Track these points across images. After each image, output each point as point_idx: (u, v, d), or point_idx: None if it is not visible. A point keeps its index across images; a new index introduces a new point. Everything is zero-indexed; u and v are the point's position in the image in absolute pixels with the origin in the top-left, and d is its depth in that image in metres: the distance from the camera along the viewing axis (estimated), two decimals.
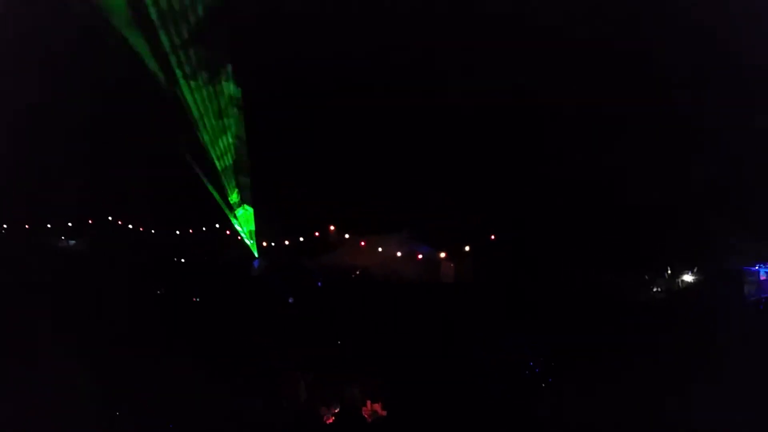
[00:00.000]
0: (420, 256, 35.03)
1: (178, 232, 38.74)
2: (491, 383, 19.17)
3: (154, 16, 28.57)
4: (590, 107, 30.75)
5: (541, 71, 30.71)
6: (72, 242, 37.81)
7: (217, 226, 37.98)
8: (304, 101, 33.12)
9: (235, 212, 35.07)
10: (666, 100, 30.56)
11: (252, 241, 36.31)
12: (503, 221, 33.54)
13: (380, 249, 35.45)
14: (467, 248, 34.48)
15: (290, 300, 31.85)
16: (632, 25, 30.16)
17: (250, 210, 35.29)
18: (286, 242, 37.97)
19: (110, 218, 38.44)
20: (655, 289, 32.09)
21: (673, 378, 17.98)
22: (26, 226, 37.23)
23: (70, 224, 38.02)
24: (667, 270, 31.95)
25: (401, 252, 35.07)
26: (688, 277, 31.41)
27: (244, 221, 35.75)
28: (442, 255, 34.85)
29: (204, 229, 38.60)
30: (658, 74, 30.48)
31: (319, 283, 34.15)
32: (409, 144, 33.28)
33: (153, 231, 38.94)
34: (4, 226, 36.80)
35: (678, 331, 21.93)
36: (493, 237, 34.47)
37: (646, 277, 32.48)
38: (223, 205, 34.38)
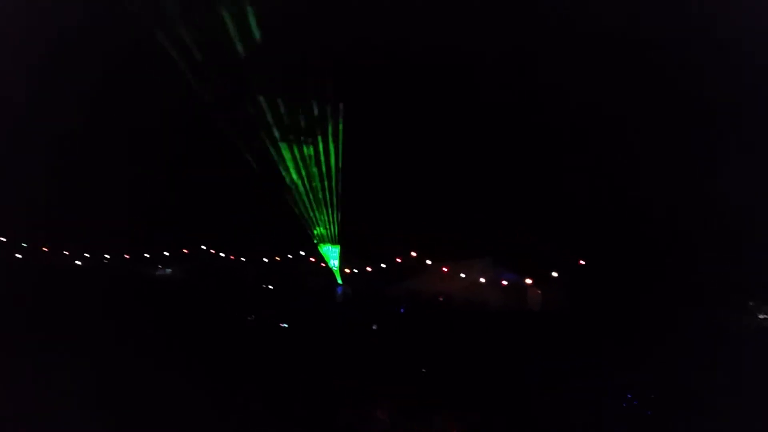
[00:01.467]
0: (505, 283, 34.17)
1: (266, 260, 40.03)
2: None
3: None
4: (680, 135, 29.57)
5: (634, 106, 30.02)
6: (168, 270, 39.90)
7: (302, 254, 38.88)
8: (387, 130, 33.70)
9: (321, 243, 35.84)
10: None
11: (336, 268, 36.84)
12: (594, 246, 32.20)
13: (463, 275, 34.95)
14: (555, 274, 33.29)
15: (374, 327, 31.83)
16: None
17: (336, 241, 35.94)
18: (369, 269, 38.26)
19: (204, 247, 40.39)
20: (761, 317, 29.64)
21: None
22: (126, 256, 39.77)
23: (166, 253, 40.25)
24: None
25: (485, 278, 34.38)
26: None
27: (328, 250, 36.38)
28: (528, 281, 33.81)
29: (290, 257, 39.66)
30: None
31: (402, 310, 33.99)
32: (492, 168, 32.93)
33: (243, 259, 40.47)
34: (106, 255, 39.46)
35: None
36: (582, 262, 33.12)
37: (751, 303, 30.15)
38: (310, 235, 35.24)
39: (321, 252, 36.46)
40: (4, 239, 38.29)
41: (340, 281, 37.25)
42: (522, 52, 31.39)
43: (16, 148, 34.10)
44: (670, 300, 28.68)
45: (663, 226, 29.87)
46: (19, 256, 37.90)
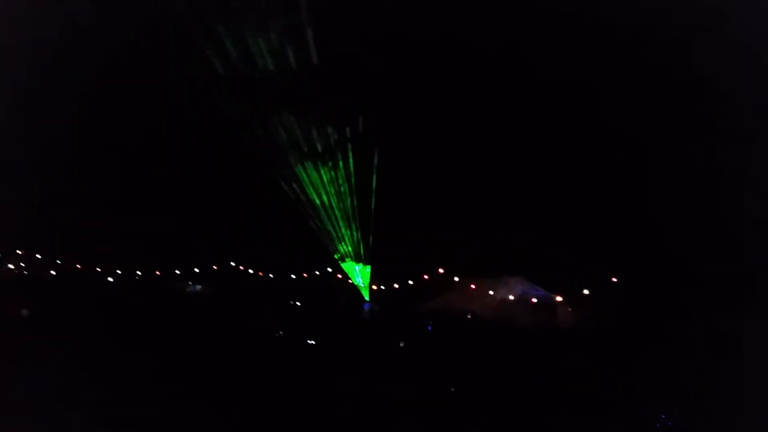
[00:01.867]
0: (534, 300, 33.57)
1: (294, 277, 40.17)
2: None
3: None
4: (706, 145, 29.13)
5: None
6: (198, 287, 40.34)
7: (330, 270, 38.94)
8: (415, 147, 33.84)
9: (347, 260, 35.90)
10: None
11: (363, 286, 36.77)
12: (627, 262, 31.50)
13: (491, 292, 34.46)
14: (586, 291, 32.61)
15: (401, 344, 31.58)
16: None
17: (363, 258, 35.98)
18: (396, 285, 38.08)
19: (233, 263, 40.73)
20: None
21: None
22: (157, 273, 40.36)
23: (197, 270, 40.71)
24: None
25: (514, 295, 33.85)
26: None
27: (355, 267, 36.38)
28: (559, 299, 33.15)
29: (317, 273, 39.73)
30: None
31: (429, 327, 33.65)
32: (522, 183, 32.68)
33: (271, 276, 40.68)
34: (138, 272, 40.11)
35: None
36: (614, 279, 32.41)
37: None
38: (337, 252, 35.39)
39: (348, 269, 36.49)
40: (39, 256, 39.28)
41: (367, 298, 37.14)
42: (560, 69, 31.33)
43: (48, 170, 35.15)
44: (706, 319, 27.76)
45: (700, 243, 29.07)
46: (53, 273, 38.85)
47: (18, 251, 39.24)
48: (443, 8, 31.12)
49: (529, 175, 32.72)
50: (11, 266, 38.68)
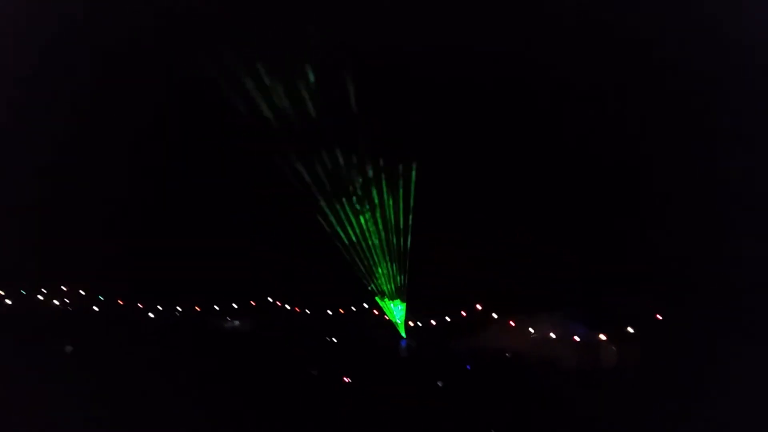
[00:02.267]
0: (577, 339, 32.55)
1: (330, 312, 40.10)
2: None
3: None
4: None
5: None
6: (236, 323, 40.63)
7: (366, 306, 38.75)
8: (451, 185, 33.85)
9: (384, 296, 35.69)
10: None
11: (400, 322, 36.40)
12: (673, 299, 30.41)
13: (531, 330, 33.60)
14: (631, 330, 31.51)
15: (439, 384, 31.05)
16: None
17: (399, 294, 35.74)
18: (433, 322, 37.57)
19: (270, 299, 40.93)
20: None
21: None
22: (196, 308, 40.84)
23: (235, 305, 41.05)
24: None
25: (555, 334, 32.90)
26: None
27: (391, 303, 36.11)
28: (602, 337, 32.08)
29: (354, 309, 39.56)
30: None
31: (468, 366, 32.98)
32: (560, 219, 32.13)
33: (308, 311, 40.71)
34: (178, 308, 40.69)
35: None
36: (659, 317, 31.30)
37: None
38: (373, 289, 35.21)
39: (384, 305, 36.21)
40: (83, 292, 40.27)
41: (404, 334, 36.71)
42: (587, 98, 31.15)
43: (94, 211, 36.27)
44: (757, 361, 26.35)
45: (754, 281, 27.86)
46: (96, 309, 39.73)
47: (63, 287, 40.38)
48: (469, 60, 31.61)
49: (566, 210, 32.15)
50: (56, 302, 39.83)
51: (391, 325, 36.94)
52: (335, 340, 39.32)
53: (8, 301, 38.61)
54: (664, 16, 28.73)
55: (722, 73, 28.34)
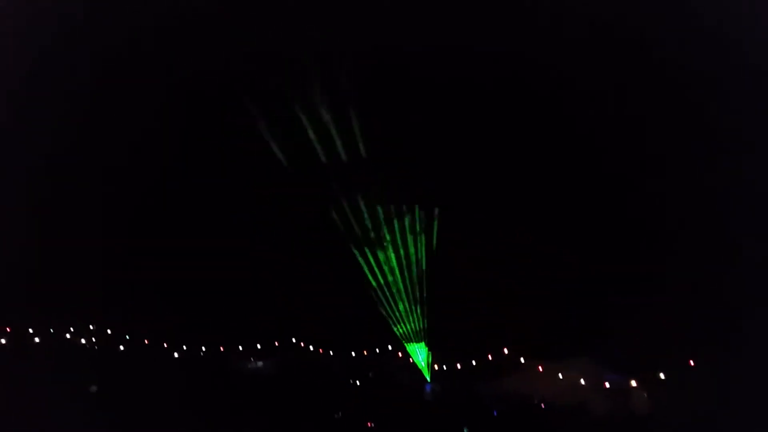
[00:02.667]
0: (607, 385, 31.69)
1: (354, 355, 39.75)
2: None
3: None
4: None
5: None
6: (260, 364, 40.43)
7: (390, 348, 38.38)
8: (473, 230, 33.95)
9: (408, 339, 35.42)
10: None
11: (425, 365, 35.92)
12: (705, 344, 29.59)
13: (560, 375, 32.82)
14: (662, 375, 30.64)
15: (465, 430, 30.41)
16: None
17: (423, 337, 35.45)
18: (459, 366, 36.97)
19: (294, 340, 40.78)
20: None
21: None
22: (221, 348, 40.81)
23: (258, 346, 40.95)
24: None
25: (585, 379, 32.08)
26: None
27: (416, 346, 35.76)
28: (633, 383, 31.20)
29: (377, 351, 39.19)
30: None
31: (495, 412, 32.26)
32: (587, 262, 31.84)
33: (331, 353, 40.43)
34: (203, 348, 40.72)
35: None
36: (692, 363, 30.44)
37: None
38: (397, 331, 35.01)
39: (409, 348, 35.83)
40: (109, 331, 40.60)
41: (428, 378, 36.15)
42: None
43: (117, 249, 36.91)
44: None
45: None
46: (122, 348, 39.93)
47: (90, 326, 40.76)
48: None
49: (598, 255, 31.93)
50: (83, 341, 40.14)
51: (415, 369, 36.47)
52: (359, 383, 38.86)
53: (36, 339, 39.14)
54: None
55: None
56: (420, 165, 32.73)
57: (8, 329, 38.49)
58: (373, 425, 32.96)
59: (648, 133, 31.25)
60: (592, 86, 31.54)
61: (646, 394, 30.90)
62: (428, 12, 31.62)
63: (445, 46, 32.21)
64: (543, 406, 31.93)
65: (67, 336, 40.17)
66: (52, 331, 39.82)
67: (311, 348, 40.27)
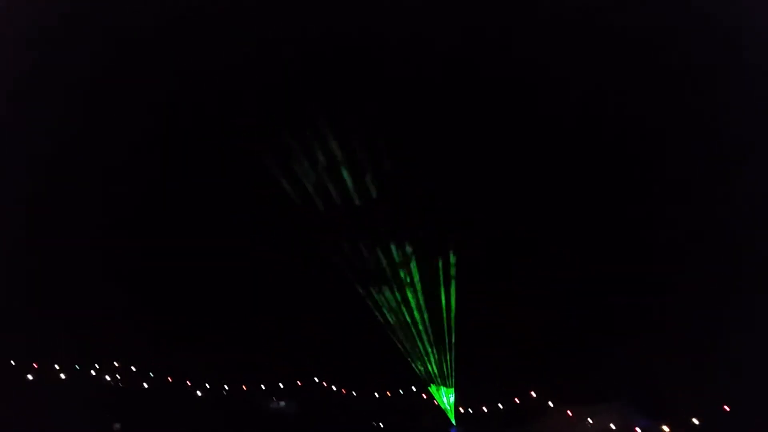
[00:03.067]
0: (638, 430, 30.85)
1: (377, 395, 39.27)
2: None
3: None
4: None
5: None
6: (282, 403, 40.04)
7: (414, 389, 37.90)
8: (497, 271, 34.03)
9: (433, 381, 35.00)
10: None
11: (449, 408, 35.30)
12: (739, 389, 28.83)
13: (590, 421, 32.05)
14: (696, 421, 29.80)
15: None
16: None
17: (449, 379, 35.01)
18: (485, 409, 36.29)
19: (317, 380, 40.47)
20: None
21: None
22: (243, 387, 40.59)
23: (281, 385, 40.69)
24: None
25: (615, 425, 31.28)
26: None
27: (441, 389, 35.23)
28: (666, 429, 30.37)
29: (401, 393, 38.69)
30: None
31: None
32: (614, 302, 31.53)
33: (354, 393, 39.99)
34: (226, 387, 40.58)
35: None
36: (727, 408, 29.63)
37: None
38: (422, 373, 34.61)
39: (433, 390, 35.29)
40: (134, 368, 40.66)
41: (453, 421, 35.46)
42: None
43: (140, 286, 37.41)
44: None
45: None
46: (146, 385, 39.91)
47: (115, 363, 40.84)
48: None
49: (619, 296, 31.65)
50: (108, 378, 40.16)
51: (440, 411, 35.83)
52: (381, 425, 38.24)
53: (62, 376, 39.29)
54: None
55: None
56: (440, 207, 33.15)
57: (35, 365, 38.81)
58: None
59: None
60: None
61: None
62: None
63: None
64: None
65: (92, 372, 40.32)
66: (77, 367, 40.03)
67: (334, 388, 39.92)
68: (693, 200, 30.33)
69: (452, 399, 35.48)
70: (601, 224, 32.82)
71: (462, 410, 36.15)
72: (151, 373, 40.59)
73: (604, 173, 32.55)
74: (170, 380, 40.29)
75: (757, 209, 28.11)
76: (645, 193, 31.84)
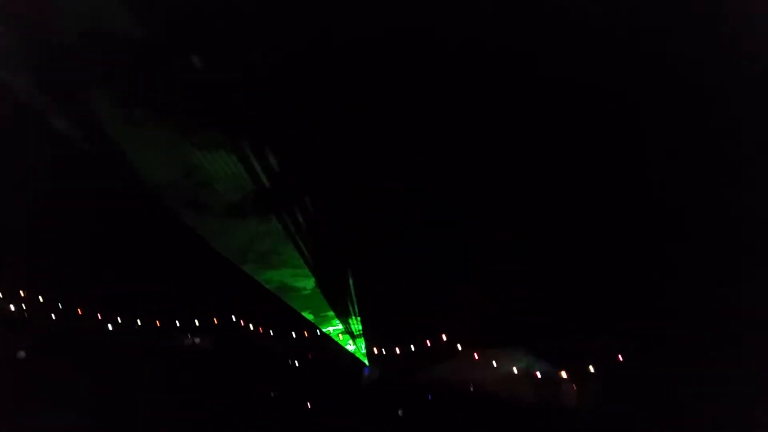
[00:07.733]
0: (538, 375, 32.48)
1: (294, 335, 39.52)
2: None
3: None
4: None
5: None
6: (197, 340, 39.75)
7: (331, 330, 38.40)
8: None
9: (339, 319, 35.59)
10: None
11: (362, 350, 36.13)
12: (637, 337, 30.42)
13: (495, 364, 33.45)
14: (592, 369, 31.57)
15: (399, 413, 30.82)
16: None
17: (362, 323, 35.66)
18: (398, 350, 37.22)
19: (234, 318, 40.24)
20: None
21: None
22: (157, 323, 39.93)
23: (197, 322, 40.29)
24: None
25: (517, 369, 32.79)
26: None
27: (353, 328, 35.98)
28: (564, 375, 32.05)
29: (318, 333, 39.06)
30: None
31: (429, 397, 32.76)
32: (530, 254, 32.26)
33: (271, 332, 40.08)
34: (138, 321, 39.83)
35: None
36: (621, 358, 31.42)
37: None
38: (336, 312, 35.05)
39: (347, 328, 35.95)
40: (41, 299, 39.10)
41: (366, 362, 36.36)
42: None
43: (59, 216, 35.53)
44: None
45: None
46: (54, 316, 38.58)
47: (21, 292, 39.19)
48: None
49: (538, 245, 32.29)
50: (12, 307, 38.58)
51: (353, 352, 36.63)
52: (297, 364, 38.67)
53: None
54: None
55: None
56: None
57: None
58: (310, 406, 33.03)
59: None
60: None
61: (574, 387, 31.81)
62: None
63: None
64: (475, 393, 32.56)
65: None
66: None
67: (251, 326, 39.78)
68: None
69: (364, 342, 36.39)
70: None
71: (376, 352, 36.97)
72: (59, 304, 39.20)
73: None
74: (80, 312, 39.07)
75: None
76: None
